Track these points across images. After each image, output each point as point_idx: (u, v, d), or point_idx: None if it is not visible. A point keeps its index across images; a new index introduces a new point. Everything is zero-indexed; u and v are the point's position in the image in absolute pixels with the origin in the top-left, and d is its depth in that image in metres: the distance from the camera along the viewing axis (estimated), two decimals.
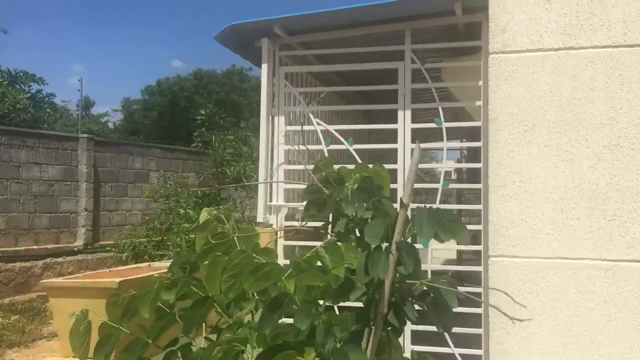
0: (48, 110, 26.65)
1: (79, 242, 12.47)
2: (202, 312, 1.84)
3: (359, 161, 4.22)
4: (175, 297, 1.82)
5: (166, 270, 2.71)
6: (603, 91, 3.71)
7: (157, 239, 9.85)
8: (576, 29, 3.77)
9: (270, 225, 4.30)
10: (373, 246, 1.44)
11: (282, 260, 4.07)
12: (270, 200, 4.35)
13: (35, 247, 11.45)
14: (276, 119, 4.33)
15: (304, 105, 4.28)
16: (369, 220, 1.48)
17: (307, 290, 1.51)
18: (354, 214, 1.45)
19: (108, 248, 11.00)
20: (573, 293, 3.61)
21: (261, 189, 4.25)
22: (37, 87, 26.00)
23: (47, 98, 26.62)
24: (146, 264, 3.22)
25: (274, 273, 1.44)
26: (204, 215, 2.11)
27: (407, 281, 1.40)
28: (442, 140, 4.11)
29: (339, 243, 1.63)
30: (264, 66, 4.29)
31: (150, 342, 1.75)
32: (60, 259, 11.80)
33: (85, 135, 13.93)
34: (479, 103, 4.07)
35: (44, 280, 2.42)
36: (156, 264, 3.26)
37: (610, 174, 3.68)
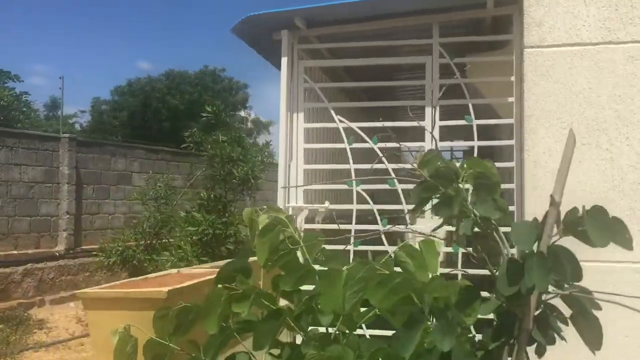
0: (24, 109, 25.89)
1: (61, 247, 12.06)
2: (276, 325, 1.61)
3: (384, 160, 4.02)
4: (248, 309, 1.59)
5: (202, 276, 2.45)
6: None
7: (146, 242, 9.51)
8: (615, 23, 3.65)
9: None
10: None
11: None
12: (289, 202, 4.12)
13: (15, 252, 11.03)
14: (294, 116, 4.10)
15: (326, 101, 4.06)
16: (493, 221, 1.28)
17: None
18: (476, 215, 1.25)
19: (94, 253, 10.60)
20: (611, 296, 3.44)
21: (280, 190, 4.02)
22: (12, 85, 25.24)
23: (22, 97, 25.85)
24: (174, 270, 2.99)
25: (404, 285, 1.23)
26: (263, 219, 1.87)
27: (558, 292, 1.21)
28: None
29: (415, 245, 1.45)
30: (284, 60, 4.09)
31: None
32: (41, 265, 11.39)
33: (67, 135, 13.50)
34: (511, 99, 3.90)
35: (79, 291, 2.18)
36: (184, 270, 3.04)
37: None
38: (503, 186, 3.93)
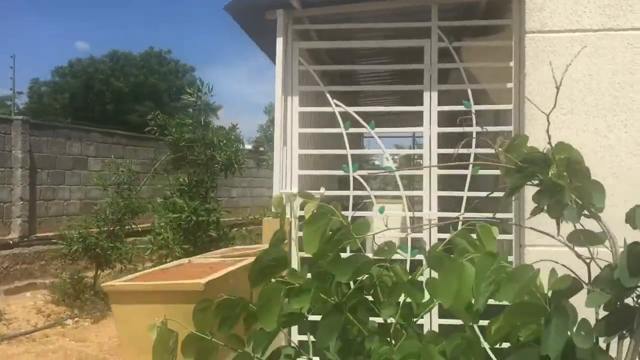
0: None
1: (14, 235, 11.54)
2: (341, 320, 1.54)
3: (382, 146, 3.96)
4: (309, 304, 1.51)
5: (222, 267, 2.35)
6: None
7: (109, 229, 9.19)
8: (615, 10, 3.68)
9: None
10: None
11: (297, 254, 3.78)
12: (284, 189, 4.01)
13: None
14: (289, 99, 3.98)
15: (321, 84, 3.95)
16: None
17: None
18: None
19: (53, 240, 10.17)
20: None
21: (276, 176, 3.91)
22: None
23: None
24: (185, 259, 2.81)
25: (533, 279, 1.17)
26: (309, 208, 1.79)
27: None
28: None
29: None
30: (279, 40, 3.97)
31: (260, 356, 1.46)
32: None
33: (20, 117, 12.87)
34: (510, 85, 3.89)
35: (106, 284, 2.02)
36: (195, 260, 2.87)
37: None
38: (495, 172, 3.92)
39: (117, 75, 31.64)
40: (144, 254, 5.42)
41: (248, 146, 14.92)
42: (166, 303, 1.95)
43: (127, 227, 9.85)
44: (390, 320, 1.72)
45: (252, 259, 2.67)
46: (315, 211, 1.96)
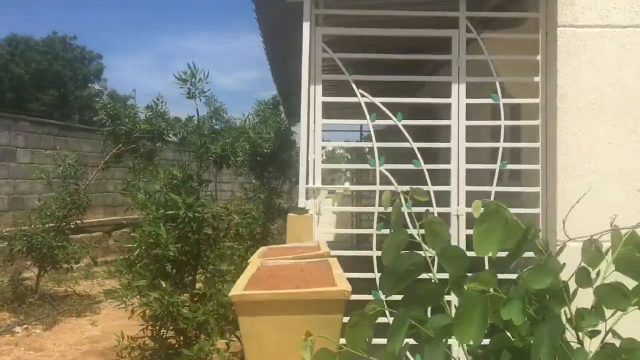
0: None
1: None
2: (561, 330, 1.46)
3: (409, 139, 3.85)
4: (522, 315, 1.41)
5: (308, 269, 2.22)
6: None
7: (56, 226, 8.57)
8: None
9: (307, 211, 3.80)
10: None
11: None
12: (307, 183, 3.82)
13: None
14: (312, 88, 3.79)
15: (347, 73, 3.79)
16: None
17: None
18: None
19: None
20: None
21: (302, 169, 3.72)
22: None
23: None
24: (257, 261, 2.51)
25: None
26: (477, 207, 1.70)
27: None
28: None
29: None
30: (306, 25, 3.76)
31: None
32: None
33: None
34: (537, 79, 3.88)
35: (234, 293, 1.75)
36: (268, 262, 2.58)
37: None
38: (527, 167, 3.89)
39: (17, 61, 29.74)
40: (76, 255, 5.03)
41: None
42: (303, 314, 1.75)
43: (72, 224, 9.27)
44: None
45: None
46: (485, 209, 1.82)
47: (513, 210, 4.24)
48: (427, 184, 4.08)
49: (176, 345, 4.84)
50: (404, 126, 4.04)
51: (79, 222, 9.57)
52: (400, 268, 1.94)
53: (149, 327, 5.07)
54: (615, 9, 3.97)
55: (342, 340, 1.76)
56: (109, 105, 9.20)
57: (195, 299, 4.83)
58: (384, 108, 4.06)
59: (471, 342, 1.52)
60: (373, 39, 4.29)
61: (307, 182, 3.98)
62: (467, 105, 4.17)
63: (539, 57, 4.12)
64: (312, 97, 4.01)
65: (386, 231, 4.05)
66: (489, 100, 4.10)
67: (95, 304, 8.78)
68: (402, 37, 4.22)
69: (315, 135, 4.01)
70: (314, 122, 4.00)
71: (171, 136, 9.01)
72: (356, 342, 1.75)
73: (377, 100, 4.05)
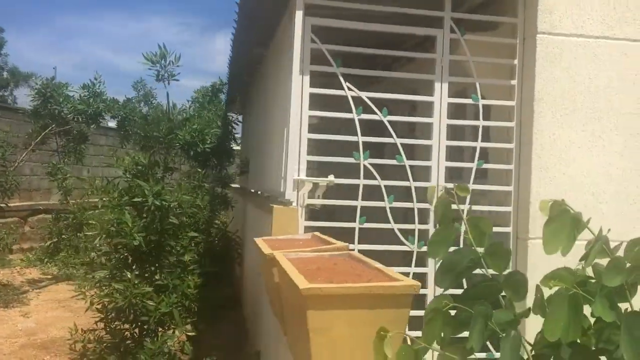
0: None
1: None
2: None
3: (393, 134, 3.92)
4: (611, 312, 1.53)
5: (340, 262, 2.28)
6: (632, 82, 4.09)
7: None
8: (613, 20, 4.08)
9: (290, 203, 3.79)
10: None
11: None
12: (286, 174, 3.81)
13: None
14: (291, 78, 3.79)
15: (335, 65, 3.80)
16: None
17: None
18: None
19: None
20: None
21: (291, 161, 3.72)
22: None
23: None
24: (276, 252, 2.41)
25: None
26: (544, 206, 1.88)
27: None
28: None
29: None
30: (299, 13, 3.74)
31: None
32: None
33: None
34: (514, 82, 4.06)
35: (304, 287, 1.67)
36: (290, 254, 2.51)
37: (634, 161, 4.07)
38: (497, 166, 4.06)
39: None
40: (90, 243, 4.76)
41: (111, 123, 13.78)
42: (373, 308, 1.75)
43: None
44: None
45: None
46: (554, 208, 1.91)
47: (484, 208, 4.38)
48: (403, 179, 4.18)
49: (137, 338, 4.66)
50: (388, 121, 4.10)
51: (3, 205, 8.97)
52: (458, 264, 1.98)
53: (105, 320, 4.85)
54: (589, 19, 4.21)
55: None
56: (41, 84, 8.64)
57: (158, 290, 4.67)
58: (369, 102, 4.09)
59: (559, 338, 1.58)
60: (357, 32, 4.30)
61: (285, 174, 3.96)
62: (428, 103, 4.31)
63: (515, 62, 4.30)
64: (300, 87, 3.97)
65: (368, 224, 4.10)
66: (469, 100, 4.23)
67: (22, 294, 8.27)
68: (384, 32, 4.28)
69: (302, 126, 3.98)
70: (301, 113, 3.97)
71: (107, 118, 8.61)
72: (432, 337, 1.77)
73: (364, 95, 4.08)
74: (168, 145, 4.84)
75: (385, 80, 4.98)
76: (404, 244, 4.12)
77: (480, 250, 1.97)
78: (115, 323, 5.04)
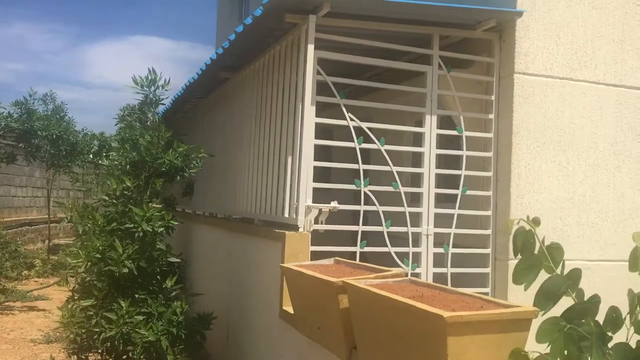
0: None
1: None
2: None
3: (389, 162, 4.22)
4: None
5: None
6: (589, 119, 4.65)
7: None
8: (574, 63, 4.66)
9: (298, 228, 3.97)
10: None
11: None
12: (297, 200, 3.99)
13: None
14: (302, 107, 3.99)
15: (338, 97, 4.04)
16: None
17: None
18: None
19: None
20: None
21: (302, 187, 3.91)
22: None
23: None
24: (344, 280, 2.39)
25: None
26: (509, 224, 2.34)
27: None
28: None
29: None
30: (311, 47, 3.93)
31: None
32: None
33: None
34: (491, 116, 4.51)
35: (448, 314, 1.76)
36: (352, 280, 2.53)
37: (592, 188, 4.64)
38: (479, 193, 4.46)
39: None
40: (73, 269, 4.49)
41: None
42: (499, 332, 1.99)
43: None
44: None
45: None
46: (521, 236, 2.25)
47: (466, 231, 4.71)
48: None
49: None
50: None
51: None
52: (557, 289, 2.26)
53: (78, 352, 4.65)
54: (556, 62, 4.74)
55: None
56: None
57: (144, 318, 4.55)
58: (369, 132, 4.34)
59: None
60: (353, 65, 4.54)
61: (297, 200, 4.09)
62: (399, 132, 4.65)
63: (492, 97, 4.74)
64: (306, 117, 4.12)
65: (368, 248, 4.31)
66: (453, 132, 4.61)
67: None
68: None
69: (307, 154, 4.13)
70: (307, 142, 4.12)
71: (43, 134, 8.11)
72: (556, 354, 2.02)
73: (364, 125, 4.32)
74: (156, 169, 4.74)
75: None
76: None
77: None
78: (87, 354, 4.84)
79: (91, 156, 12.39)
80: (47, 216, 14.14)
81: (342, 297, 2.80)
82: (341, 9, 4.14)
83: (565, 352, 2.06)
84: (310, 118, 4.05)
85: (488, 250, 4.73)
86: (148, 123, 10.68)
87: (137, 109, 11.07)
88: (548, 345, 2.15)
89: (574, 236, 4.79)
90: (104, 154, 15.21)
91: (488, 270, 4.72)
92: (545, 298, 2.27)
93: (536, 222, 2.49)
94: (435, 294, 2.46)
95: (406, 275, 3.00)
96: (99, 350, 4.63)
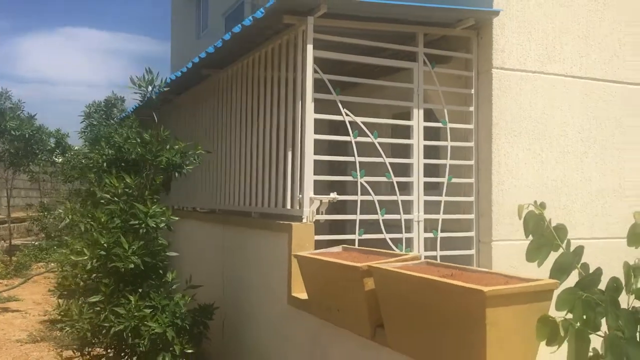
0: None
1: None
2: None
3: (382, 154, 4.51)
4: None
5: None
6: (559, 110, 5.07)
7: None
8: (545, 58, 5.05)
9: (302, 219, 4.22)
10: None
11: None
12: (301, 192, 4.24)
13: None
14: (302, 105, 4.24)
15: (334, 93, 4.30)
16: None
17: None
18: None
19: None
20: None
21: (307, 180, 4.18)
22: None
23: None
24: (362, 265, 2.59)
25: None
26: (519, 210, 2.70)
27: None
28: None
29: None
30: (310, 47, 4.18)
31: None
32: None
33: None
34: (472, 108, 4.84)
35: (490, 289, 1.98)
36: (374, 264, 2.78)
37: (563, 174, 5.05)
38: (463, 180, 4.80)
39: None
40: (81, 267, 4.55)
41: None
42: (526, 302, 2.30)
43: None
44: None
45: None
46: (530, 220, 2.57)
47: (452, 217, 5.04)
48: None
49: None
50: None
51: None
52: (569, 264, 2.57)
53: (80, 345, 4.76)
54: (529, 57, 5.12)
55: None
56: None
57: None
58: (363, 127, 4.60)
59: None
60: (339, 61, 4.79)
61: (300, 192, 4.32)
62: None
63: (472, 91, 5.07)
64: (306, 113, 4.35)
65: (366, 236, 4.59)
66: (438, 124, 4.93)
67: None
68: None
69: (307, 149, 4.35)
70: (306, 137, 4.34)
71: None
72: (577, 318, 2.34)
73: (359, 119, 4.58)
74: (156, 167, 4.85)
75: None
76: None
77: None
78: (86, 349, 4.94)
79: (53, 154, 12.16)
80: (5, 216, 13.82)
81: (367, 280, 3.07)
82: (335, 10, 4.38)
83: (584, 317, 2.40)
84: (310, 115, 4.29)
85: (472, 234, 5.09)
86: (115, 120, 10.68)
87: (102, 105, 11.05)
88: (566, 313, 2.49)
89: (547, 218, 5.18)
90: (57, 152, 14.93)
91: (473, 252, 5.08)
92: (560, 272, 2.61)
93: (543, 206, 2.82)
94: (458, 273, 2.76)
95: (420, 258, 3.30)
96: (104, 345, 4.76)
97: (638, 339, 2.40)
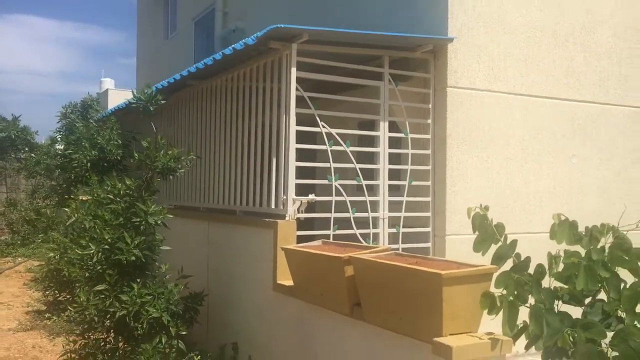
0: None
1: None
2: None
3: (354, 161, 5.21)
4: None
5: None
6: (503, 123, 5.89)
7: None
8: (491, 78, 5.87)
9: (284, 217, 4.88)
10: None
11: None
12: (285, 194, 4.92)
13: None
14: (287, 119, 4.91)
15: (313, 108, 5.00)
16: None
17: None
18: None
19: None
20: None
21: (290, 183, 4.85)
22: None
23: None
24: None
25: None
26: (469, 211, 3.39)
27: None
28: None
29: None
30: (293, 70, 4.83)
31: None
32: None
33: None
34: (429, 121, 5.60)
35: (444, 272, 2.63)
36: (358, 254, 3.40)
37: (506, 178, 5.86)
38: (421, 183, 5.54)
39: None
40: (87, 260, 5.05)
41: None
42: (473, 283, 3.05)
43: None
44: None
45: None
46: (477, 219, 3.30)
47: (412, 214, 5.83)
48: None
49: (130, 342, 5.19)
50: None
51: None
52: (507, 254, 3.31)
53: (83, 330, 5.31)
54: (477, 77, 5.91)
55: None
56: None
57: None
58: (337, 137, 5.30)
59: None
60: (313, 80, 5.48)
61: (284, 193, 4.99)
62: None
63: (429, 106, 5.83)
64: (288, 126, 5.01)
65: (339, 231, 5.29)
66: (400, 134, 5.67)
67: None
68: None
69: (290, 156, 5.02)
70: (289, 146, 5.01)
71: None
72: (509, 293, 3.08)
73: (333, 131, 5.27)
74: (153, 170, 5.39)
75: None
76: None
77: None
78: (89, 333, 5.48)
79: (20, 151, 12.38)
80: None
81: (347, 268, 3.76)
82: (314, 37, 5.04)
83: (515, 292, 3.15)
84: (293, 128, 4.96)
85: (429, 229, 5.86)
86: (92, 120, 11.05)
87: (79, 106, 11.38)
88: (502, 290, 3.24)
89: (492, 215, 5.99)
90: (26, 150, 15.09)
91: (429, 244, 5.85)
92: (499, 260, 3.36)
93: (486, 208, 3.57)
94: (421, 261, 3.48)
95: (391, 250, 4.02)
96: (105, 329, 5.32)
97: (555, 311, 3.18)
